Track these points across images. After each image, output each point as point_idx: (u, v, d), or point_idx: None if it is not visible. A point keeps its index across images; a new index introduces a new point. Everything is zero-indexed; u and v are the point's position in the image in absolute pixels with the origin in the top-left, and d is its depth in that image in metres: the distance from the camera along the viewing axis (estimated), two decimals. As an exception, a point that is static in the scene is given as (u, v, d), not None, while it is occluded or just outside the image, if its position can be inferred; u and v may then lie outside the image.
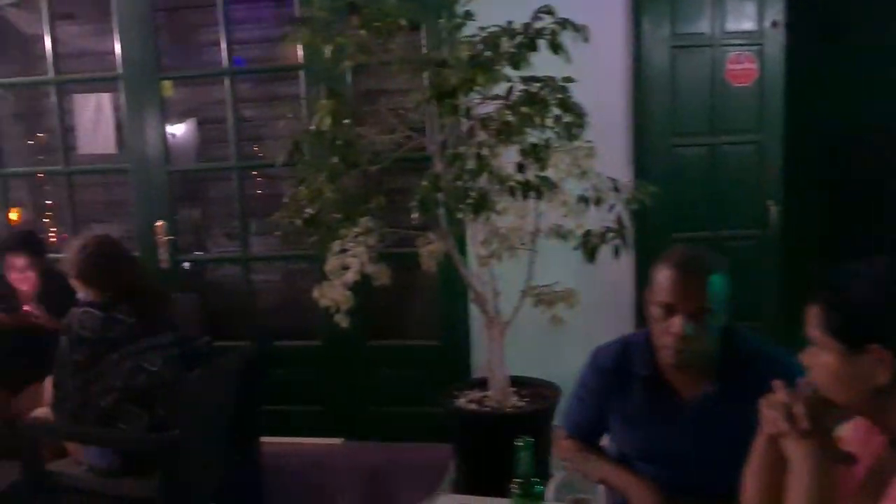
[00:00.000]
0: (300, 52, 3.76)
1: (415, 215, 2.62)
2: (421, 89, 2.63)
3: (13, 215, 4.30)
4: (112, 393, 2.68)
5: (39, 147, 4.46)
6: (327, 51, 2.71)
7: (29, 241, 3.57)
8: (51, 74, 4.03)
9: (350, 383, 3.97)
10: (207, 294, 4.09)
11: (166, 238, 3.99)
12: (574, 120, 2.50)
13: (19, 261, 3.47)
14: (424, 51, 3.26)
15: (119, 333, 2.74)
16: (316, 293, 2.97)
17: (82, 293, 2.91)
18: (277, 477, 3.38)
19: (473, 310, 3.68)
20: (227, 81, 3.87)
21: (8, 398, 3.38)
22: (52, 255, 3.66)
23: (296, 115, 3.36)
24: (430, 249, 2.87)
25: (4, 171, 4.22)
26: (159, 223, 3.98)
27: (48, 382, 3.06)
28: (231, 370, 2.89)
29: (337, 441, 4.00)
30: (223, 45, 3.82)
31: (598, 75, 2.80)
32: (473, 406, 3.16)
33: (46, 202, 4.53)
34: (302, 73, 3.78)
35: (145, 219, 4.00)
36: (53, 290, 3.52)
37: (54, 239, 4.45)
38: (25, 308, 3.43)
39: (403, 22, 2.75)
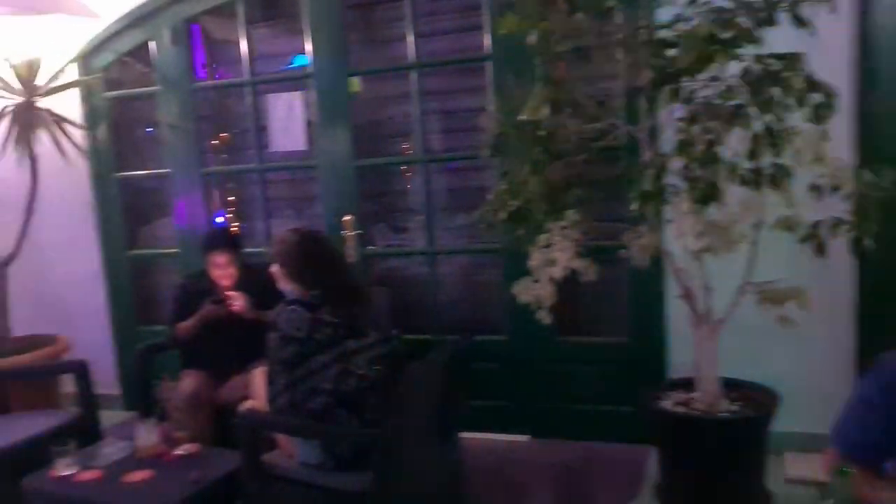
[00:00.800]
0: (487, 42, 3.70)
1: (633, 206, 2.47)
2: (636, 73, 2.47)
3: (217, 212, 4.53)
4: (320, 395, 2.72)
5: (224, 146, 4.66)
6: (534, 37, 2.61)
7: (229, 239, 3.72)
8: (246, 76, 4.19)
9: (538, 379, 3.88)
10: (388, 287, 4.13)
11: (354, 232, 4.05)
12: (825, 100, 2.26)
13: (221, 258, 3.62)
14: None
15: (325, 335, 2.77)
16: (516, 289, 2.90)
17: (288, 288, 2.98)
18: (469, 473, 3.34)
19: (670, 307, 3.50)
20: (413, 75, 3.87)
21: (216, 388, 3.53)
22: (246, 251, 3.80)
23: (490, 107, 3.29)
24: (643, 243, 2.71)
25: (206, 170, 4.45)
26: (347, 217, 4.05)
27: (256, 375, 3.18)
28: (441, 365, 2.87)
29: (523, 438, 3.93)
30: (410, 39, 3.82)
31: (819, 48, 2.51)
32: (681, 409, 2.98)
33: (230, 198, 4.72)
34: (489, 64, 3.72)
35: (333, 213, 4.08)
36: (251, 283, 3.66)
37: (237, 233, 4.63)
38: (229, 301, 3.57)
39: (612, 2, 2.62)
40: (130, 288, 4.75)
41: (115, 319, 4.77)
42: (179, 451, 2.98)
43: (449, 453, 3.02)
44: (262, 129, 4.27)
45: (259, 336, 3.67)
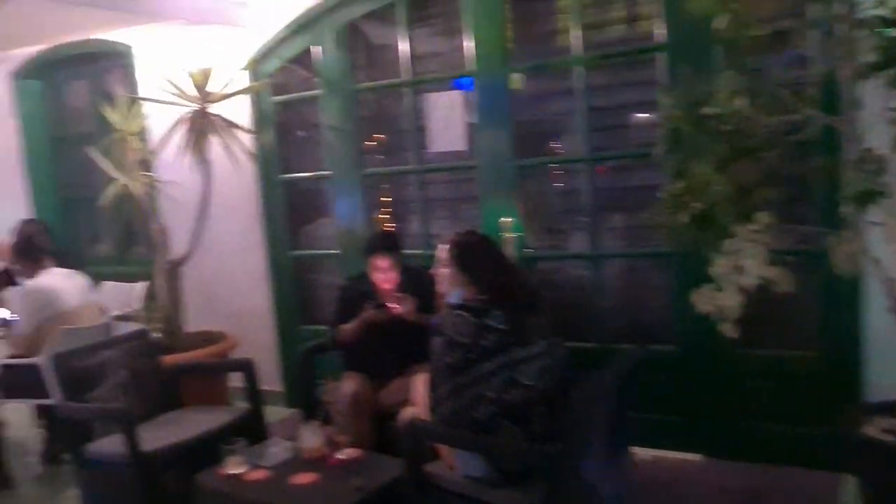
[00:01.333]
0: (661, 30, 3.46)
1: (845, 208, 2.17)
2: (848, 57, 2.17)
3: (378, 215, 4.55)
4: (485, 404, 2.61)
5: (381, 147, 4.66)
6: (723, 21, 2.36)
7: (391, 242, 3.68)
8: (406, 77, 4.16)
9: (712, 394, 3.58)
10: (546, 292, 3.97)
11: (513, 234, 3.92)
12: None
13: (384, 261, 3.58)
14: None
15: (492, 342, 2.66)
16: (695, 297, 2.65)
17: (456, 291, 2.89)
18: (639, 491, 3.13)
19: (870, 319, 3.11)
20: (578, 69, 3.68)
21: (376, 391, 3.51)
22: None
23: (663, 101, 3.05)
24: (849, 249, 2.39)
25: (366, 171, 4.47)
26: (506, 219, 3.93)
27: (417, 381, 3.11)
28: (617, 377, 2.67)
29: (696, 457, 3.64)
30: (575, 32, 3.64)
31: None
32: (892, 438, 2.62)
33: (385, 199, 4.70)
34: (662, 55, 3.47)
35: (492, 215, 3.97)
36: (412, 286, 3.61)
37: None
38: (390, 304, 3.53)
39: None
40: (293, 288, 4.87)
41: (279, 318, 4.91)
42: (342, 455, 2.96)
43: (620, 471, 2.81)
44: (421, 130, 4.22)
45: (420, 340, 3.62)
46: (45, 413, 4.40)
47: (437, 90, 4.16)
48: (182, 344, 4.50)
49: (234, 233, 4.92)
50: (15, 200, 5.98)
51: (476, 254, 2.86)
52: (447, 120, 4.11)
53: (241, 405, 3.91)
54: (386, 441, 3.23)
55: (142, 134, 4.84)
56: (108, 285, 5.14)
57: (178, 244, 4.64)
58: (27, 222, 5.03)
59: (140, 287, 5.12)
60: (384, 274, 3.60)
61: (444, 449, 2.76)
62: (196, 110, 4.38)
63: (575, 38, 3.66)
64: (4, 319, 4.33)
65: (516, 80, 3.91)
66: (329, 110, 4.47)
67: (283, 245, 4.82)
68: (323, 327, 4.58)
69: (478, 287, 2.80)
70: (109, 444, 3.25)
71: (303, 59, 4.58)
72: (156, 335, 4.32)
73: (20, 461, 4.32)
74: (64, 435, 4.34)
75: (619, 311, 3.95)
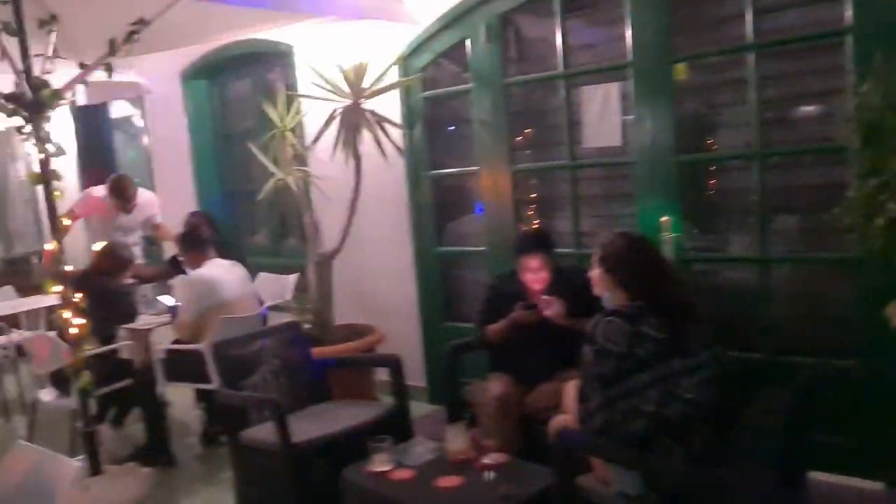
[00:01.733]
0: (848, 13, 3.11)
1: None
2: None
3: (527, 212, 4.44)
4: (640, 419, 2.44)
5: (529, 143, 4.52)
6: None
7: (543, 241, 3.54)
8: (560, 69, 4.02)
9: (900, 418, 3.20)
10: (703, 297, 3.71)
11: (672, 235, 3.68)
12: None
13: (534, 261, 3.46)
14: None
15: (647, 352, 2.49)
16: (890, 310, 2.35)
17: (607, 294, 2.73)
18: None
19: None
20: (750, 58, 3.39)
21: (523, 395, 3.39)
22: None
23: (853, 90, 2.74)
24: None
25: (515, 167, 4.36)
26: (664, 218, 3.70)
27: (568, 388, 2.97)
28: (794, 395, 2.42)
29: (876, 486, 3.27)
30: (748, 17, 3.35)
31: None
32: None
33: (531, 196, 4.56)
34: (849, 39, 3.13)
35: (649, 214, 3.74)
36: (563, 287, 3.47)
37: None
38: (541, 307, 3.40)
39: None
40: (438, 284, 4.84)
41: (424, 314, 4.90)
42: (488, 460, 2.87)
43: (794, 500, 2.54)
44: (574, 125, 4.06)
45: (570, 344, 3.46)
46: (204, 396, 4.63)
47: (592, 83, 3.97)
48: (331, 336, 4.59)
49: (382, 228, 4.96)
50: (185, 193, 6.35)
51: (626, 256, 2.68)
52: (602, 114, 3.92)
53: (387, 401, 3.93)
54: (531, 447, 3.11)
55: (298, 130, 4.99)
56: (263, 276, 5.34)
57: (328, 238, 4.73)
58: (194, 214, 5.31)
59: (293, 279, 5.28)
60: (535, 274, 3.47)
61: (597, 462, 2.61)
62: (349, 106, 4.43)
63: (747, 23, 3.37)
64: (170, 306, 4.58)
65: (680, 70, 3.66)
66: (479, 105, 4.39)
67: (429, 241, 4.80)
68: (467, 325, 4.53)
69: (627, 292, 2.64)
70: (262, 432, 3.33)
71: (454, 53, 4.53)
72: (306, 327, 4.41)
73: (181, 440, 4.56)
74: (222, 418, 4.56)
75: (789, 321, 3.62)
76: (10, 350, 5.51)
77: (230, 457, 3.58)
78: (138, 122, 7.19)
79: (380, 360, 4.15)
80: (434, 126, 4.79)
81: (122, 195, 5.48)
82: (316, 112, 4.70)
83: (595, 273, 2.73)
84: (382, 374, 4.73)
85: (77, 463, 2.14)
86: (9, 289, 6.28)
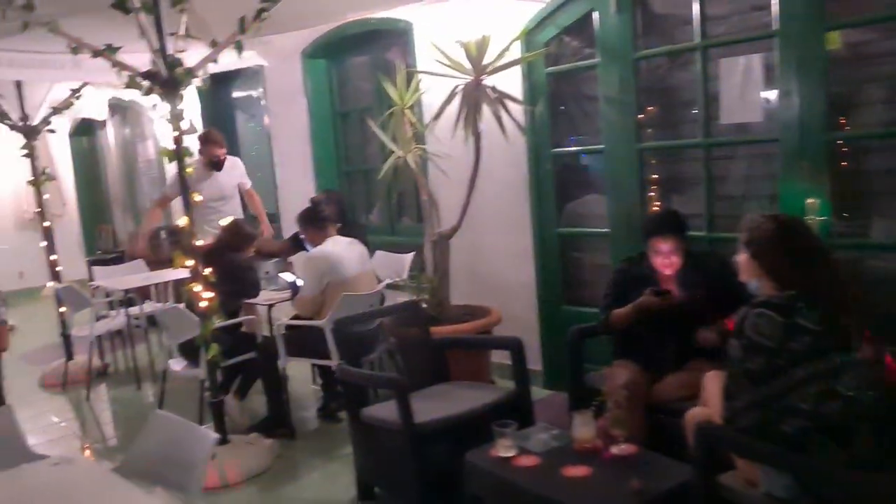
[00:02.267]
0: None
1: None
2: None
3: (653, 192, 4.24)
4: (797, 417, 2.24)
5: (656, 119, 4.30)
6: None
7: (676, 223, 3.35)
8: (697, 40, 3.78)
9: None
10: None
11: (819, 219, 3.40)
12: None
13: (666, 244, 3.27)
14: None
15: (803, 345, 2.28)
16: None
17: (754, 282, 2.54)
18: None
19: None
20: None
21: (650, 383, 3.23)
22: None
23: None
24: None
25: (643, 145, 4.16)
26: (810, 200, 3.42)
27: (709, 379, 2.80)
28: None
29: None
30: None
31: None
32: None
33: (659, 175, 4.33)
34: None
35: (793, 195, 3.48)
36: (696, 273, 3.28)
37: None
38: (672, 295, 3.23)
39: None
40: (557, 266, 4.71)
41: (542, 297, 4.78)
42: (616, 451, 2.74)
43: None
44: (709, 100, 3.82)
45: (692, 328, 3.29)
46: (323, 372, 4.70)
47: (732, 55, 3.71)
48: (448, 316, 4.55)
49: (500, 207, 4.87)
50: (303, 172, 6.45)
51: (775, 242, 2.47)
52: (742, 88, 3.67)
53: (504, 384, 3.85)
54: (659, 440, 2.96)
55: (417, 107, 4.95)
56: (379, 254, 5.36)
57: (445, 217, 4.68)
58: (325, 192, 5.34)
59: (408, 258, 5.28)
60: (666, 258, 3.29)
61: (742, 460, 2.43)
62: (470, 82, 4.34)
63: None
64: (292, 283, 4.65)
65: (833, 38, 3.36)
66: (606, 80, 4.20)
67: (549, 221, 4.66)
68: (586, 309, 4.42)
69: (777, 280, 2.43)
70: (383, 411, 3.32)
71: (579, 26, 4.35)
72: (423, 306, 4.39)
73: (299, 414, 4.65)
74: (340, 394, 4.61)
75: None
76: (141, 321, 5.79)
77: (350, 433, 3.59)
78: (259, 101, 7.36)
79: (501, 342, 4.06)
80: (557, 102, 4.63)
81: (212, 139, 5.56)
82: (435, 89, 4.64)
83: (741, 258, 2.54)
84: (497, 356, 4.68)
85: (214, 434, 2.16)
86: (139, 262, 6.59)
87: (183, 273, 5.93)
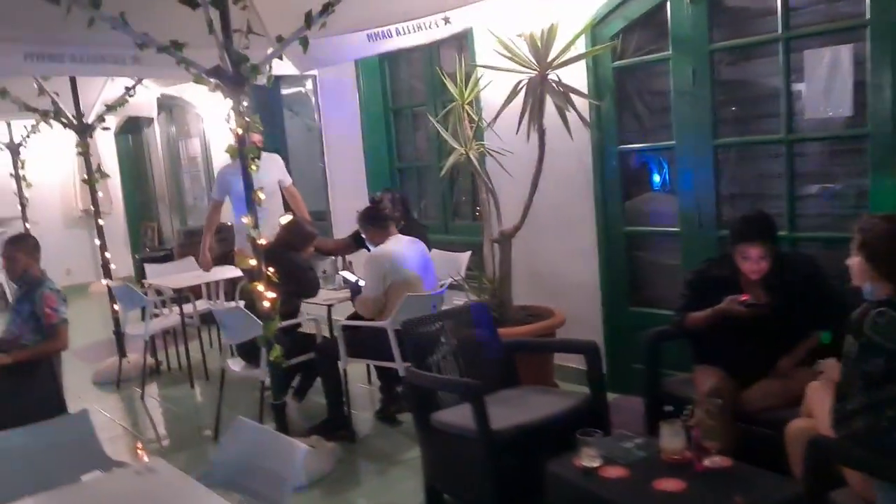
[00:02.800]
0: None
1: None
2: None
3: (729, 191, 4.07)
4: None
5: (733, 114, 4.12)
6: None
7: (767, 228, 3.16)
8: (779, 31, 3.61)
9: None
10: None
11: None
12: None
13: (756, 250, 3.10)
14: None
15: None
16: None
17: (868, 286, 2.39)
18: None
19: None
20: None
21: (738, 391, 3.09)
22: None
23: None
24: None
25: (719, 141, 4.00)
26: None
27: (814, 389, 2.65)
28: None
29: None
30: None
31: None
32: None
33: (729, 173, 4.15)
34: None
35: (885, 193, 3.30)
36: (783, 277, 3.13)
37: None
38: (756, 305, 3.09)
39: None
40: (623, 266, 4.56)
41: (606, 297, 4.63)
42: (709, 463, 2.60)
43: None
44: (792, 93, 3.65)
45: (791, 336, 3.15)
46: (383, 373, 4.60)
47: (817, 46, 3.54)
48: (510, 317, 4.43)
49: (562, 205, 4.73)
50: (355, 170, 6.38)
51: (888, 243, 2.33)
52: (828, 81, 3.49)
53: (568, 388, 3.71)
54: (749, 450, 2.81)
55: (476, 103, 4.84)
56: (435, 253, 5.25)
57: (505, 215, 4.56)
58: (387, 191, 5.23)
59: (465, 257, 5.16)
60: (755, 264, 3.12)
61: (855, 476, 2.28)
62: (534, 77, 4.21)
63: None
64: (354, 283, 4.57)
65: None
66: (679, 74, 4.05)
67: (616, 220, 4.52)
68: (654, 311, 4.28)
69: (887, 281, 2.29)
70: (456, 416, 3.21)
71: (649, 18, 4.20)
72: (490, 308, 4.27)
73: (356, 416, 4.57)
74: (398, 396, 4.52)
75: None
76: (195, 319, 5.76)
77: (418, 438, 3.49)
78: (308, 98, 7.30)
79: (574, 345, 3.91)
80: (624, 97, 4.48)
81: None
82: (496, 84, 4.52)
83: (854, 261, 2.39)
84: (559, 359, 4.56)
85: (304, 446, 2.07)
86: (190, 260, 6.57)
87: (234, 272, 5.96)
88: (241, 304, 4.49)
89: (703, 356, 3.30)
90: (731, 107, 4.08)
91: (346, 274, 4.76)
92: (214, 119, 8.26)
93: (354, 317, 4.47)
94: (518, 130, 4.19)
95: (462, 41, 5.26)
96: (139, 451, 4.59)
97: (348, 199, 6.38)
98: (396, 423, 4.47)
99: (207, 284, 6.26)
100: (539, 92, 4.19)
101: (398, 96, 6.31)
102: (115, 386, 5.84)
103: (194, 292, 6.03)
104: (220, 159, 8.32)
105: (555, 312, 4.50)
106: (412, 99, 6.18)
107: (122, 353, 6.11)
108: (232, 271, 6.03)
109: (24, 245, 4.31)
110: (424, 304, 4.10)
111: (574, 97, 4.18)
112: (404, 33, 4.74)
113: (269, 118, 7.44)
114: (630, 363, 4.34)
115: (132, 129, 10.46)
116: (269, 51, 3.77)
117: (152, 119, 9.49)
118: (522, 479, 3.01)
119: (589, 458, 2.70)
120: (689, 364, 3.36)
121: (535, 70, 4.20)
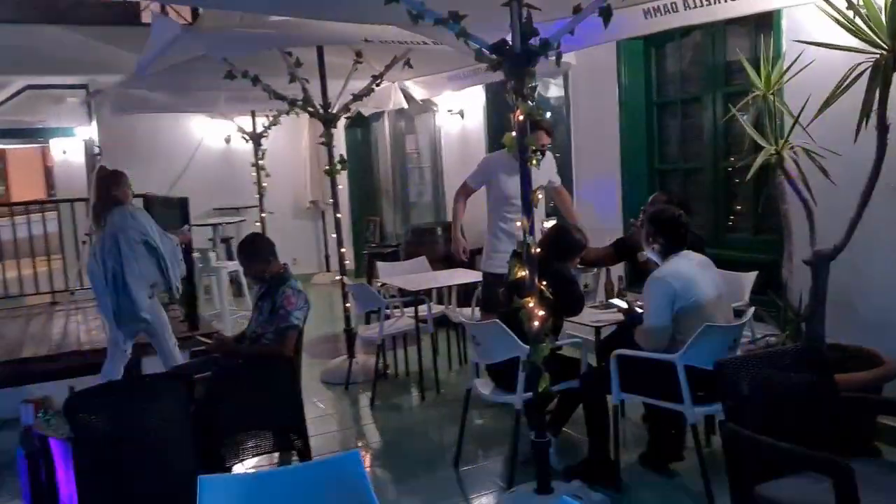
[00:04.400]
0: None
1: None
2: None
3: None
4: None
5: None
6: None
7: None
8: None
9: None
10: None
11: None
12: None
13: None
14: None
15: None
16: None
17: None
18: None
19: None
20: None
21: None
22: None
23: None
24: None
25: None
26: None
27: None
28: None
29: None
30: None
31: None
32: None
33: None
34: None
35: None
36: None
37: None
38: None
39: None
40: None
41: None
42: None
43: None
44: None
45: None
46: (652, 413, 3.89)
47: None
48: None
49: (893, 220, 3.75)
50: (607, 171, 5.69)
51: None
52: None
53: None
54: None
55: (781, 93, 3.98)
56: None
57: (828, 232, 3.66)
58: (662, 194, 4.51)
59: (750, 277, 4.30)
60: None
61: None
62: (881, 57, 3.28)
63: None
64: (635, 311, 3.85)
65: None
66: None
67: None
68: None
69: None
70: (800, 494, 2.43)
71: None
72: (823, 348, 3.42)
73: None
74: (671, 439, 3.80)
75: None
76: (429, 325, 5.33)
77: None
78: (551, 93, 6.70)
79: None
80: None
81: (542, 125, 4.78)
82: (804, 71, 3.66)
83: None
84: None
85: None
86: (422, 259, 6.22)
87: (469, 276, 5.49)
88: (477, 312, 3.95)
89: None
90: None
91: (618, 301, 4.07)
92: (446, 115, 7.94)
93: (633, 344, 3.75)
94: (860, 126, 3.29)
95: (761, 18, 4.38)
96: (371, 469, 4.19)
97: (596, 199, 5.74)
98: (667, 473, 3.73)
99: (440, 289, 5.85)
100: (886, 76, 3.27)
101: (665, 87, 5.51)
102: (345, 388, 5.57)
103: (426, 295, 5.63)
104: (452, 157, 7.99)
105: (885, 360, 3.54)
106: (682, 90, 5.36)
107: (351, 353, 5.85)
108: (465, 275, 5.58)
109: (256, 254, 4.14)
110: (724, 337, 3.33)
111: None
112: (693, 7, 4.02)
113: (505, 108, 6.92)
114: None
115: (360, 123, 10.45)
116: (560, 22, 3.16)
117: (382, 112, 9.36)
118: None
119: None
120: None
121: (883, 49, 3.28)
